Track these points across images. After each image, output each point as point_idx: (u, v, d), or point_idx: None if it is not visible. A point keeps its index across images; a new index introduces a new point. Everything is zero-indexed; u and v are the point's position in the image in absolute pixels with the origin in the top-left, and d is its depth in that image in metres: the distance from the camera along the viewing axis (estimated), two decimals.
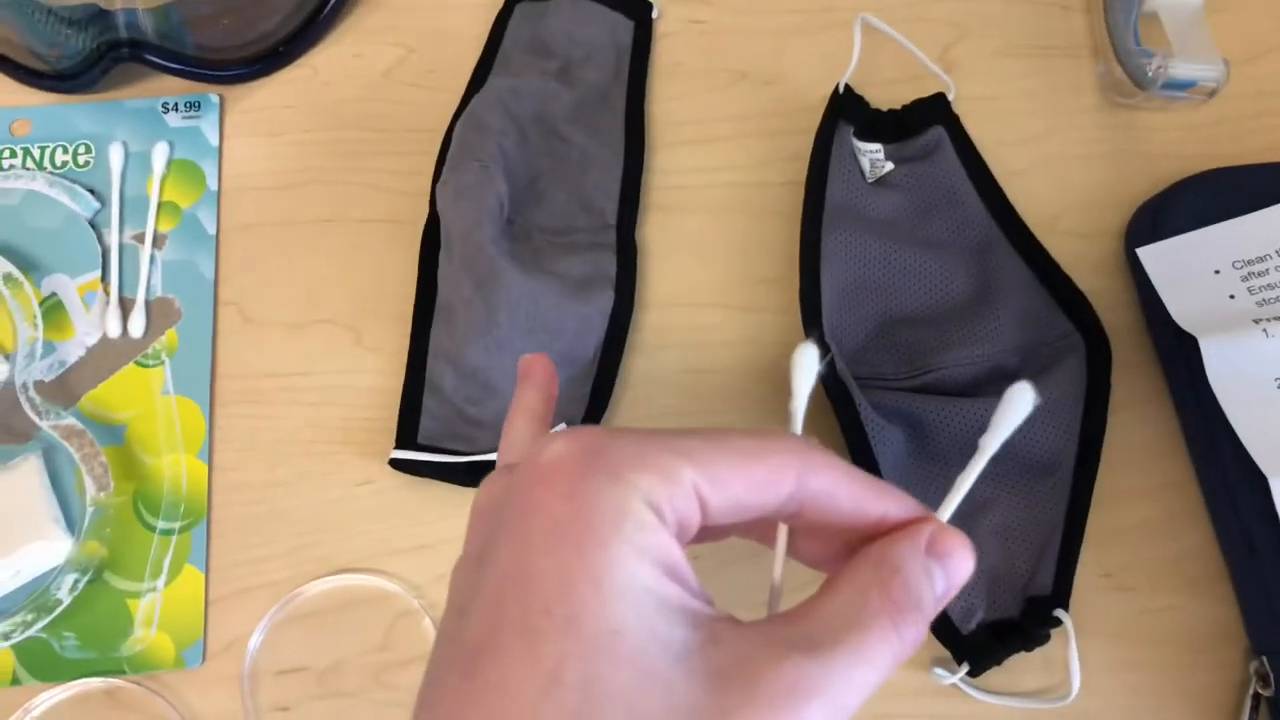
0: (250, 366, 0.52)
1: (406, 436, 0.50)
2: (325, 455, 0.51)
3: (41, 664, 0.46)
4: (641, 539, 0.23)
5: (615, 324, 0.52)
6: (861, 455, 0.48)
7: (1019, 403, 0.29)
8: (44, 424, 0.48)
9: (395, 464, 0.49)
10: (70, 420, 0.49)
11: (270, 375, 0.52)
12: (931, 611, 0.26)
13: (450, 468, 0.49)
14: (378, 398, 0.52)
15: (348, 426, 0.51)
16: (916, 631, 0.26)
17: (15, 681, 0.46)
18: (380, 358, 0.52)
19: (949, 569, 0.27)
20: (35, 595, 0.46)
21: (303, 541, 0.49)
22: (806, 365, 0.31)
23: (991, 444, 0.29)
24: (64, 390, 0.50)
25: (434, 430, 0.50)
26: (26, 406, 0.49)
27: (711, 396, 0.53)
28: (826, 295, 0.52)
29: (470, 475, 0.49)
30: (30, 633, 0.46)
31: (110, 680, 0.46)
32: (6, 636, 0.45)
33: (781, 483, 0.26)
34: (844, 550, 0.28)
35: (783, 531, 0.29)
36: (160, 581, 0.48)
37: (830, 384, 0.50)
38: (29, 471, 0.48)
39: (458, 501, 0.50)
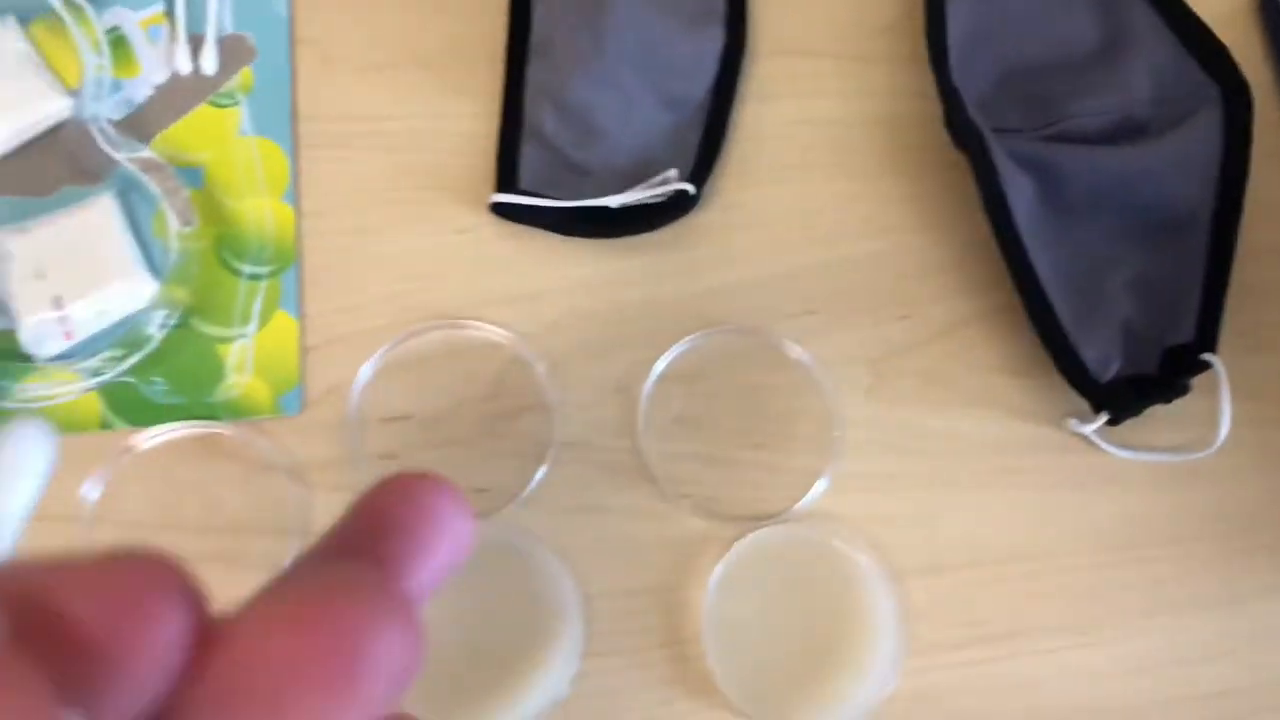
0: (333, 108, 0.48)
1: (507, 181, 0.47)
2: (419, 202, 0.47)
3: (131, 408, 0.43)
4: None
5: (727, 66, 0.48)
6: (996, 203, 0.45)
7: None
8: (121, 156, 0.44)
9: (496, 208, 0.46)
10: (149, 153, 0.45)
11: (355, 118, 0.48)
12: None
13: (555, 214, 0.46)
14: (471, 143, 0.48)
15: (441, 172, 0.48)
16: None
17: (105, 426, 0.43)
18: (472, 101, 0.49)
19: None
20: (124, 333, 0.43)
21: (399, 289, 0.46)
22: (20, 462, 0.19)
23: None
24: (134, 130, 0.47)
25: (534, 179, 0.47)
26: (100, 139, 0.45)
27: (822, 148, 0.49)
28: (952, 39, 0.48)
29: (575, 224, 0.46)
30: (121, 368, 0.43)
31: (210, 425, 0.43)
32: (97, 373, 0.43)
33: None
34: None
35: None
36: (251, 327, 0.45)
37: (962, 131, 0.47)
38: (103, 211, 0.44)
39: (563, 252, 0.47)
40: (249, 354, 0.44)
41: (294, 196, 0.47)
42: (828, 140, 0.49)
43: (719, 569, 0.42)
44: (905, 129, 0.50)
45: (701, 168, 0.47)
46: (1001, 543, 0.44)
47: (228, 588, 0.17)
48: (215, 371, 0.44)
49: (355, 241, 0.46)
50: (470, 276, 0.46)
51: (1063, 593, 0.44)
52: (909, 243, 0.48)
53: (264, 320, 0.45)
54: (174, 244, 0.44)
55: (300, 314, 0.45)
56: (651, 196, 0.46)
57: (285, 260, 0.46)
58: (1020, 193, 0.46)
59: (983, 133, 0.46)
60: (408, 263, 0.46)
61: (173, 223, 0.44)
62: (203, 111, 0.47)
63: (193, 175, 0.46)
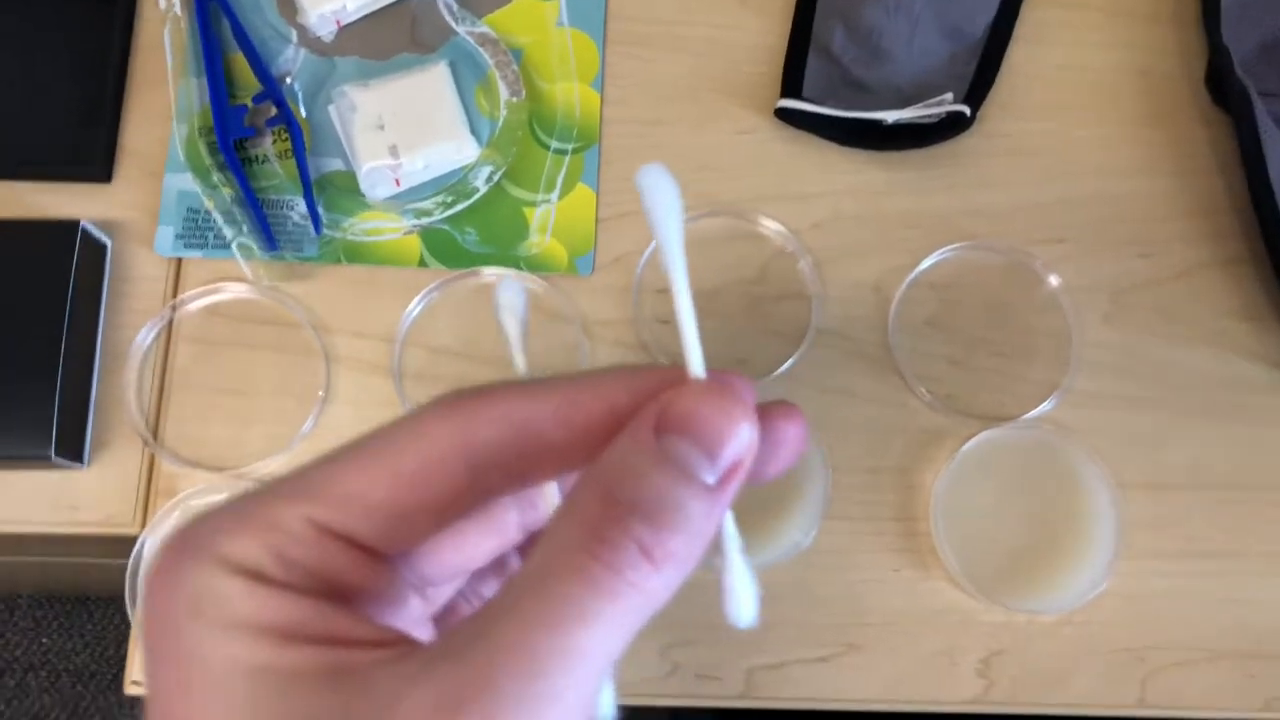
0: (640, 10, 0.53)
1: (791, 89, 0.51)
2: (708, 102, 0.52)
3: (446, 252, 0.49)
4: (231, 613, 0.19)
5: (1007, 6, 0.52)
6: (1254, 157, 0.48)
7: (653, 188, 0.22)
8: (460, 29, 0.50)
9: (780, 113, 0.51)
10: (485, 29, 0.51)
11: (659, 21, 0.53)
12: (694, 509, 0.19)
13: (833, 123, 0.50)
14: (760, 54, 0.53)
15: (729, 78, 0.52)
16: (658, 549, 0.19)
17: (422, 264, 0.49)
18: (762, 16, 0.53)
19: (705, 434, 0.20)
20: (453, 184, 0.49)
21: (685, 179, 0.50)
22: (509, 303, 0.26)
23: (674, 260, 0.22)
24: (464, 11, 0.52)
25: (815, 91, 0.51)
26: (444, 12, 0.51)
27: (1085, 93, 0.53)
28: (1225, 2, 0.51)
29: (850, 135, 0.51)
30: (448, 213, 0.49)
31: (515, 272, 0.49)
32: (424, 215, 0.49)
33: (444, 459, 0.21)
34: None
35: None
36: (554, 195, 0.50)
37: (1226, 87, 0.50)
38: (438, 76, 0.50)
39: (834, 160, 0.51)
40: (550, 218, 0.50)
41: (601, 84, 0.52)
42: (1090, 85, 0.53)
43: (954, 459, 0.46)
44: (1163, 83, 0.53)
45: (974, 95, 0.51)
46: (1222, 470, 0.47)
47: None
48: (520, 230, 0.50)
49: (650, 130, 0.52)
50: (748, 173, 0.51)
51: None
52: (1158, 187, 0.51)
53: (565, 190, 0.50)
54: (497, 113, 0.50)
55: (598, 188, 0.51)
56: (927, 116, 0.50)
57: (589, 139, 0.51)
58: (1275, 147, 0.49)
59: (1249, 90, 0.49)
60: (694, 155, 0.51)
61: (503, 93, 0.50)
62: (526, 0, 0.53)
63: (513, 55, 0.52)
